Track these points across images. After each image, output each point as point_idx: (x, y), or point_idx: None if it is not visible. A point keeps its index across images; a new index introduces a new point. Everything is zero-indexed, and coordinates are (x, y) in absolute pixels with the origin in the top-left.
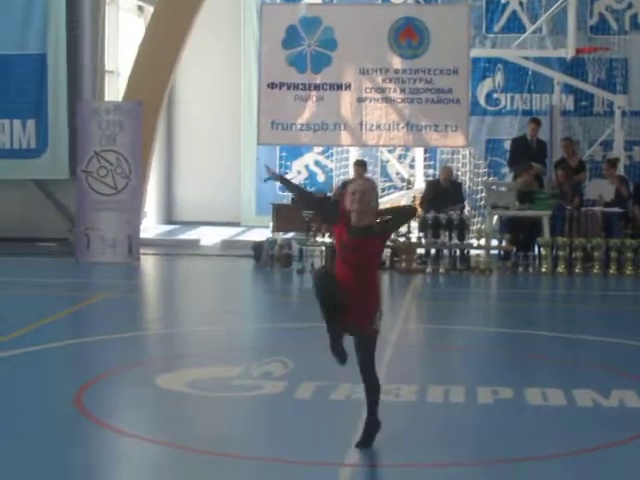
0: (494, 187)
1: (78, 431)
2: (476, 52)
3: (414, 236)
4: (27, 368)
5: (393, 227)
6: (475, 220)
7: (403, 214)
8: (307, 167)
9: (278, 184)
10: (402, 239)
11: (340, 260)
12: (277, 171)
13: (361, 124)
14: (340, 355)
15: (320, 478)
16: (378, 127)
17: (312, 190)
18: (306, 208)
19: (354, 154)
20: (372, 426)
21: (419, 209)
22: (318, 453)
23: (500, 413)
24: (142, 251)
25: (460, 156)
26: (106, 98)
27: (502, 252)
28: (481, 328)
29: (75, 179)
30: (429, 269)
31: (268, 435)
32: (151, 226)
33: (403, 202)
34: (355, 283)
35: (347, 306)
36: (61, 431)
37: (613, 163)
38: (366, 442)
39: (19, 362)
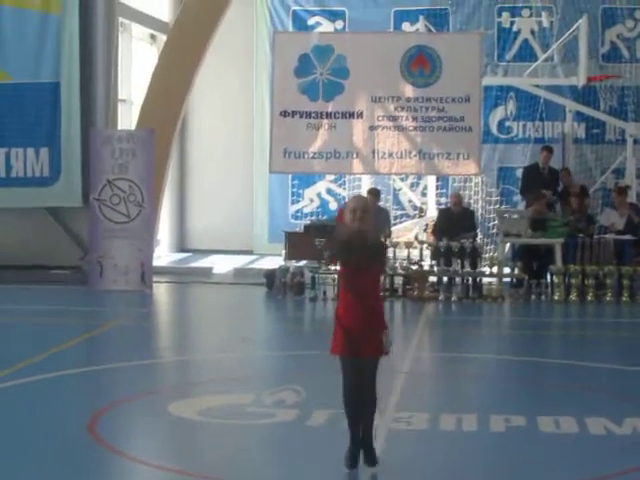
0: (506, 215)
1: (91, 458)
2: (488, 80)
3: (426, 264)
4: (40, 395)
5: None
6: (487, 248)
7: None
8: (319, 195)
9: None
10: (415, 267)
11: (345, 288)
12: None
13: (373, 152)
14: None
15: None
16: (390, 155)
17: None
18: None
19: (366, 182)
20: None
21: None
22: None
23: (513, 441)
24: (155, 279)
25: (472, 184)
26: (119, 126)
27: (514, 280)
28: (493, 356)
29: (88, 207)
30: (441, 297)
31: (281, 463)
32: (164, 254)
33: (415, 230)
34: (361, 308)
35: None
36: (75, 458)
37: (623, 191)
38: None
39: (32, 390)
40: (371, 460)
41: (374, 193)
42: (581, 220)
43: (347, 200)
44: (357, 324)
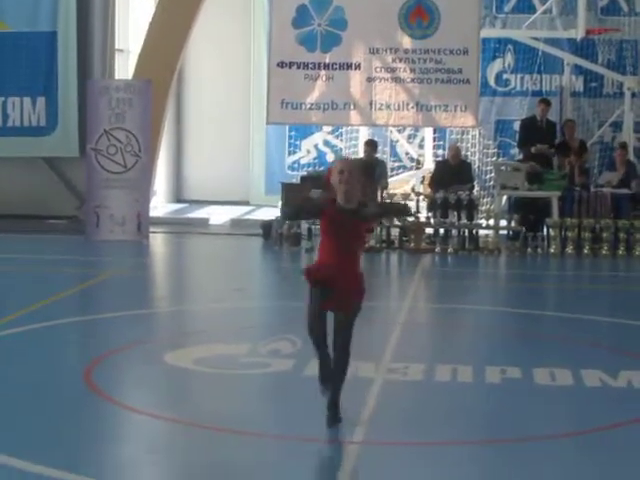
0: (503, 167)
1: (87, 407)
2: (486, 32)
3: (423, 216)
4: (36, 345)
5: (377, 216)
6: (484, 200)
7: (394, 210)
8: (316, 146)
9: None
10: (411, 219)
11: (326, 237)
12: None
13: (370, 104)
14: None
15: (328, 455)
16: (387, 107)
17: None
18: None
19: (363, 134)
20: (335, 409)
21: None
22: (325, 431)
23: (508, 393)
24: (151, 229)
25: (469, 136)
26: (116, 76)
27: (511, 232)
28: (489, 308)
29: (85, 157)
30: (438, 249)
31: (276, 412)
32: (160, 204)
33: (412, 182)
34: (340, 260)
35: (333, 283)
36: (70, 407)
37: (625, 147)
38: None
39: (28, 339)
40: (332, 420)
41: (371, 144)
42: (571, 177)
43: (336, 160)
44: (331, 261)
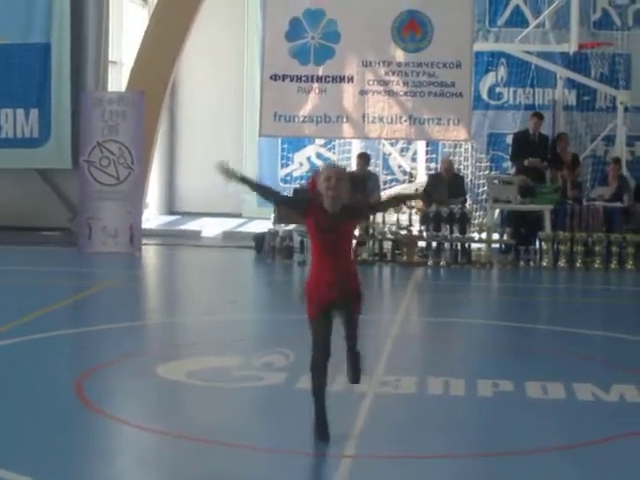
0: (496, 181)
1: (78, 419)
2: (479, 46)
3: (415, 229)
4: (28, 357)
5: (361, 215)
6: (476, 214)
7: (402, 198)
8: (309, 159)
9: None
10: (404, 232)
11: (317, 245)
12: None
13: (363, 117)
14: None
15: (320, 469)
16: (380, 120)
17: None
18: (269, 200)
19: (356, 146)
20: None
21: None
22: (318, 444)
23: (500, 406)
24: (144, 241)
25: (462, 150)
26: (109, 88)
27: (503, 246)
28: (481, 321)
29: (77, 169)
30: (430, 262)
31: (268, 425)
32: (153, 217)
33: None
34: (336, 263)
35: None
36: (61, 419)
37: (618, 161)
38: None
39: (20, 351)
40: (356, 373)
41: (364, 158)
42: (563, 190)
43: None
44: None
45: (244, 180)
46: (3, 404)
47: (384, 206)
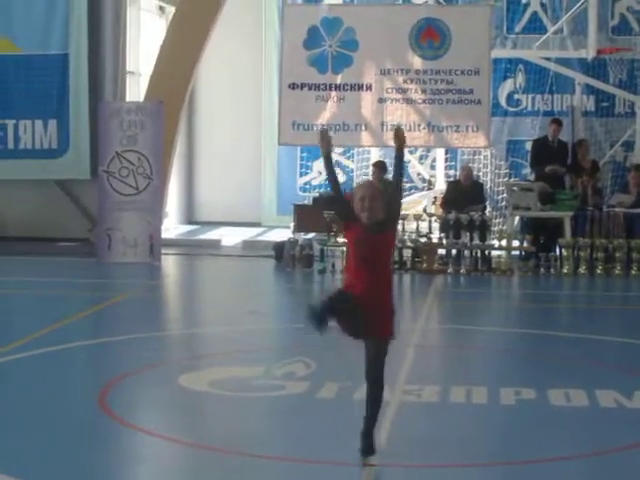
0: (515, 188)
1: (102, 430)
2: (497, 53)
3: (435, 237)
4: (50, 368)
5: (397, 214)
6: (496, 221)
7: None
8: None
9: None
10: (423, 240)
11: (354, 258)
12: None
13: (382, 124)
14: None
15: (343, 478)
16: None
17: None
18: (328, 203)
19: (375, 155)
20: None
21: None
22: (341, 453)
23: (523, 414)
24: (163, 251)
25: (481, 157)
26: (127, 98)
27: (523, 253)
28: (503, 329)
29: (96, 179)
30: (450, 270)
31: (291, 435)
32: (172, 226)
33: (424, 203)
34: (372, 280)
35: (363, 309)
36: (85, 430)
37: (639, 168)
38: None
39: (42, 362)
40: (366, 450)
41: (380, 166)
42: (584, 197)
43: (354, 186)
44: (360, 284)
45: (329, 161)
46: (26, 417)
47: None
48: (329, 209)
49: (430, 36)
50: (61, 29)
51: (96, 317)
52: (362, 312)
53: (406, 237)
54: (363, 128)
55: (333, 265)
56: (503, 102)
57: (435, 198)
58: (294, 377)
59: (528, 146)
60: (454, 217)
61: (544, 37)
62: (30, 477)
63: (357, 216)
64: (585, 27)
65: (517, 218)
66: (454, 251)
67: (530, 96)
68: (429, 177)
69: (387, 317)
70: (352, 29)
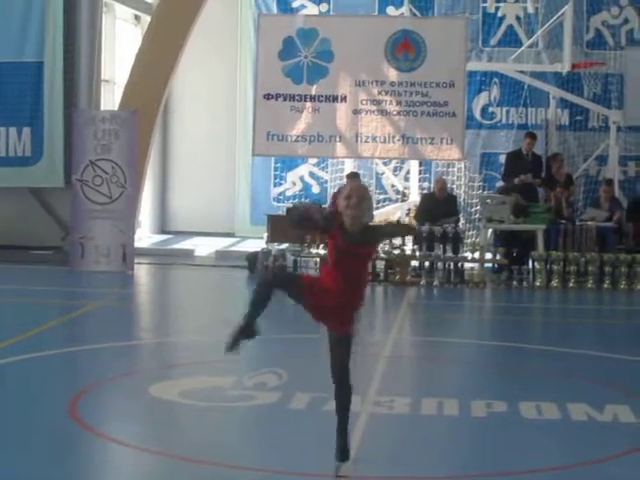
0: (489, 201)
1: (72, 440)
2: (472, 65)
3: (408, 248)
4: (20, 376)
5: (385, 236)
6: (470, 233)
7: (401, 230)
8: (302, 178)
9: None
10: (397, 251)
11: (332, 262)
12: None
13: (356, 136)
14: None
15: None
16: (373, 139)
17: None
18: (302, 219)
19: (349, 166)
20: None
21: (416, 228)
22: (312, 464)
23: (494, 426)
24: (136, 260)
25: (455, 169)
26: (102, 107)
27: (496, 265)
28: (475, 341)
29: (70, 187)
30: (423, 282)
31: (262, 445)
32: (145, 235)
33: (397, 215)
34: (343, 285)
35: (324, 301)
36: (55, 440)
37: (611, 183)
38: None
39: (11, 370)
40: (342, 454)
41: (353, 177)
42: (558, 210)
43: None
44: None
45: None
46: None
47: (394, 234)
48: (302, 226)
49: (405, 48)
50: (36, 37)
51: (68, 326)
52: (308, 294)
53: (379, 249)
54: (338, 139)
55: None
56: (478, 115)
57: (409, 210)
58: (265, 387)
59: (502, 159)
60: (427, 229)
61: (519, 50)
62: None
63: (339, 219)
64: (560, 41)
65: (490, 231)
66: (427, 263)
67: (505, 109)
68: (403, 189)
69: (347, 319)
70: (328, 40)
